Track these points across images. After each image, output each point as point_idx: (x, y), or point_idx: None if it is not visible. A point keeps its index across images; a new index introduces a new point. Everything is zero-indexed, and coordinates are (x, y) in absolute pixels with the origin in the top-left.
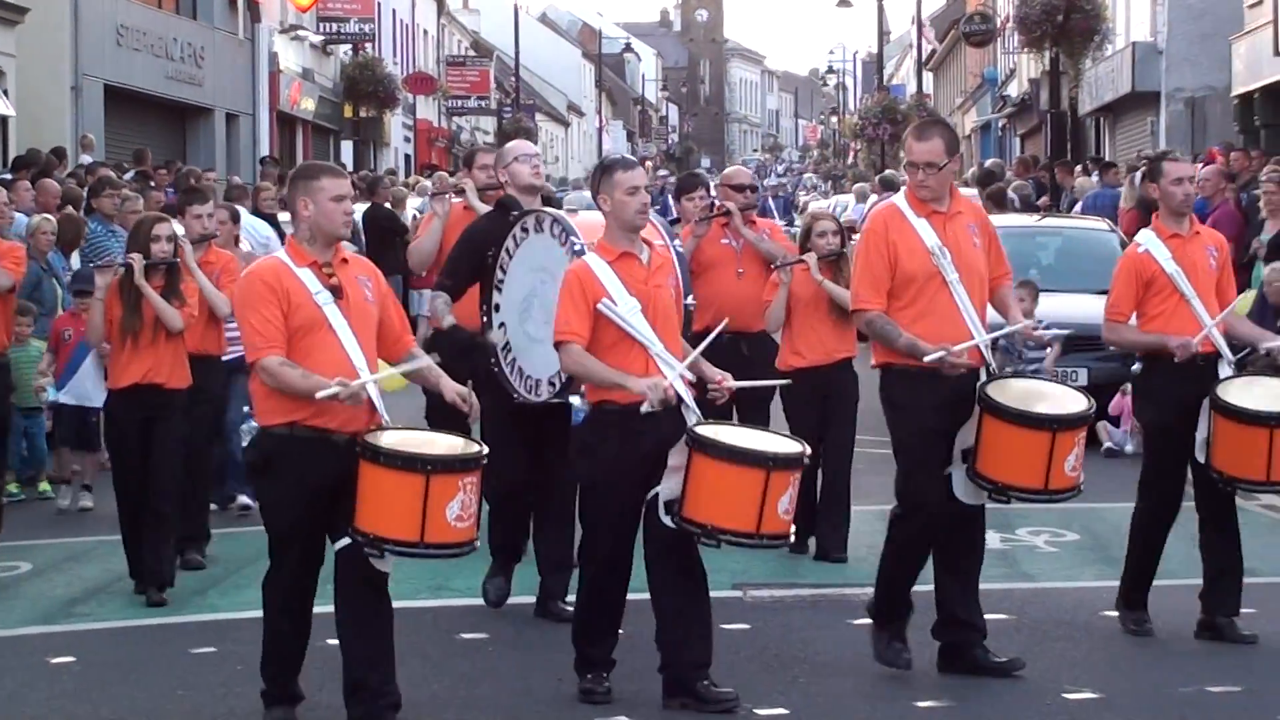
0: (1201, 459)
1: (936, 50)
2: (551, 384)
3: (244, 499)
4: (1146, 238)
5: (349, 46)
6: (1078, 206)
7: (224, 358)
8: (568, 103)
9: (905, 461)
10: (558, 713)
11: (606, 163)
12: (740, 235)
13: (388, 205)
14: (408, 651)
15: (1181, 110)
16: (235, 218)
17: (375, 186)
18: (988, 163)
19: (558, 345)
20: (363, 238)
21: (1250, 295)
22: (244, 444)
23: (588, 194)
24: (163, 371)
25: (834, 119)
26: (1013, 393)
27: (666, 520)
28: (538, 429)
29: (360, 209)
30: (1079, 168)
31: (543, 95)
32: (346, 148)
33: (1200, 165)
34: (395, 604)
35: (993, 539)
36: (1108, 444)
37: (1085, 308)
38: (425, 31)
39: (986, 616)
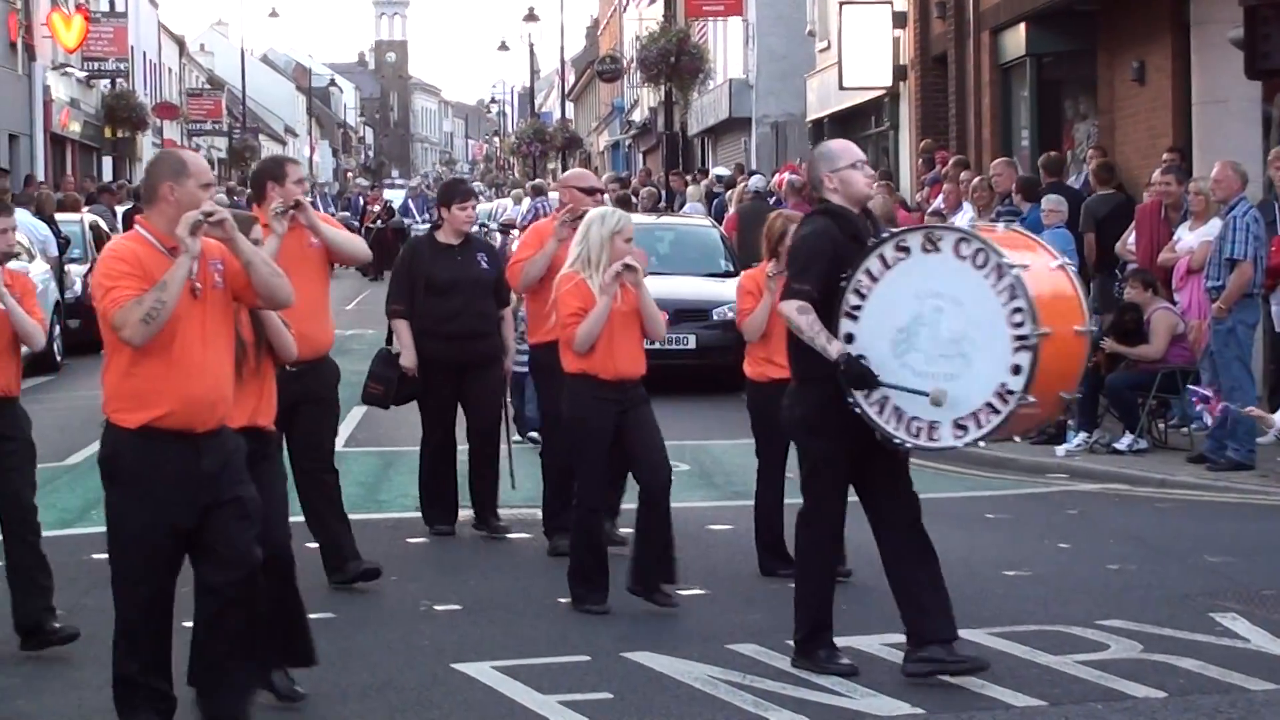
0: None
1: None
2: (961, 426)
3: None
4: None
5: (108, 80)
6: (687, 207)
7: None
8: (285, 126)
9: None
10: None
11: None
12: None
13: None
14: None
15: (768, 132)
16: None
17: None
18: (607, 175)
19: None
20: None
21: None
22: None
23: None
24: None
25: (496, 139)
26: None
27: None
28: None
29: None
30: (689, 178)
31: (264, 120)
32: (107, 163)
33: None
34: None
35: None
36: None
37: (693, 287)
38: (170, 69)
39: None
